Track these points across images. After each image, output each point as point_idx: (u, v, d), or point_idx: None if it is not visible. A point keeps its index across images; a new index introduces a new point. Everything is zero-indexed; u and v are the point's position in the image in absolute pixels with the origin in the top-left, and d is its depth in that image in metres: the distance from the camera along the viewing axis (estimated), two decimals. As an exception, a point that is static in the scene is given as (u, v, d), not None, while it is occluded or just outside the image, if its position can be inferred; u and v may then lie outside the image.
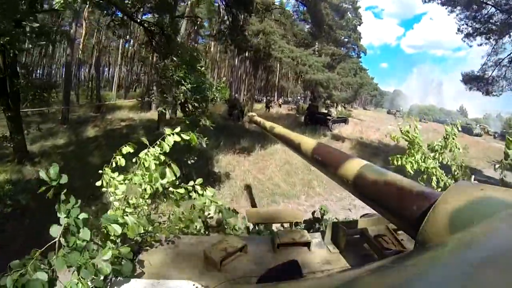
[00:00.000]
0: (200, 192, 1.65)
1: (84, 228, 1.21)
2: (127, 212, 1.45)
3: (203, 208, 1.67)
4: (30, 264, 1.12)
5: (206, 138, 8.14)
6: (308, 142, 1.60)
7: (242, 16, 18.29)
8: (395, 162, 3.42)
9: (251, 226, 3.63)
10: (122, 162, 1.78)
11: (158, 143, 1.70)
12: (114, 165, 1.74)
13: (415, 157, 3.46)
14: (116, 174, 1.74)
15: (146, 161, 1.65)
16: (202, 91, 8.20)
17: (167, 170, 1.64)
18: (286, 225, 3.12)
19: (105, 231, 1.31)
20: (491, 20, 15.32)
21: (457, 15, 16.22)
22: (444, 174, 3.41)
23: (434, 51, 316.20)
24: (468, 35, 16.52)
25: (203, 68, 8.76)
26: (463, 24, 16.38)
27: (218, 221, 2.06)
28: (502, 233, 0.40)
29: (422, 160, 3.47)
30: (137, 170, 1.70)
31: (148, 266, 1.41)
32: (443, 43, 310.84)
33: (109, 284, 1.24)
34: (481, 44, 16.73)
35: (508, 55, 16.07)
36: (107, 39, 33.17)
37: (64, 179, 1.23)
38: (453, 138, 3.62)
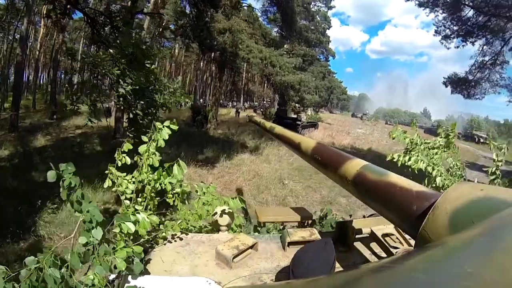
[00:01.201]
0: (204, 190, 1.73)
1: (98, 227, 1.24)
2: (138, 210, 1.48)
3: (211, 202, 1.71)
4: (45, 259, 1.15)
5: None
6: (308, 142, 1.59)
7: (208, 11, 17.22)
8: (398, 159, 3.46)
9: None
10: (127, 160, 1.82)
11: (153, 138, 1.74)
12: (119, 164, 1.79)
13: (418, 155, 3.49)
14: (124, 174, 1.77)
15: (148, 158, 1.71)
16: (148, 94, 6.40)
17: (175, 167, 1.67)
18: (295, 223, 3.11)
19: (119, 230, 1.35)
20: (469, 23, 15.36)
21: (435, 16, 16.19)
22: (444, 170, 3.49)
23: (398, 56, 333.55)
24: (446, 37, 16.52)
25: (153, 67, 7.03)
26: (441, 26, 16.41)
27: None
28: (502, 233, 0.41)
29: (429, 156, 3.53)
30: (142, 168, 1.75)
31: (160, 263, 1.44)
32: (406, 49, 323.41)
33: (122, 281, 1.27)
34: (458, 47, 16.93)
35: (492, 57, 16.04)
36: (71, 40, 31.32)
37: (76, 179, 1.24)
38: (453, 138, 3.74)
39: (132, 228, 1.34)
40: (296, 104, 27.13)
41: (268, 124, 2.41)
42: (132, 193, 1.75)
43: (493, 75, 16.73)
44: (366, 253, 1.62)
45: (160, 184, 1.73)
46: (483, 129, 68.52)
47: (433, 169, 3.43)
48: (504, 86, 16.69)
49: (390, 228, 1.67)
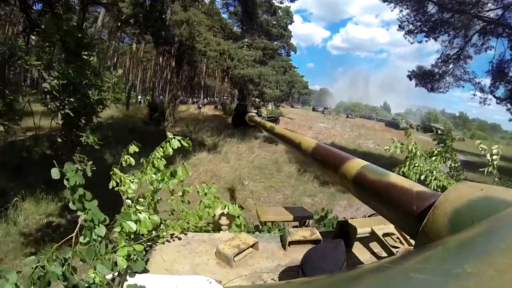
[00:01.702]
0: (206, 191, 1.77)
1: (100, 225, 1.24)
2: (139, 209, 1.50)
3: (212, 205, 1.72)
4: (47, 258, 1.15)
5: (91, 163, 5.63)
6: (308, 141, 1.59)
7: (164, 1, 16.57)
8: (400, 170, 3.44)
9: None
10: (131, 161, 1.85)
11: (162, 146, 1.77)
12: (124, 164, 1.81)
13: (419, 166, 3.51)
14: (127, 175, 1.78)
15: (156, 161, 1.74)
16: (82, 90, 5.38)
17: (179, 168, 1.72)
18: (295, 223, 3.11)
19: (120, 228, 1.36)
20: (432, 19, 15.48)
21: (400, 11, 16.23)
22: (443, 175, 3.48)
23: (358, 52, 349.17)
24: (409, 32, 16.61)
25: (92, 58, 5.99)
26: (404, 21, 16.47)
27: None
28: (502, 233, 0.41)
29: (427, 163, 3.55)
30: (147, 169, 1.77)
31: (161, 262, 1.45)
32: (366, 46, 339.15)
33: (123, 279, 1.27)
34: (421, 42, 17.02)
35: (456, 52, 16.28)
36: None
37: (80, 177, 1.23)
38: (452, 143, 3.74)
39: (133, 227, 1.35)
40: (257, 99, 26.56)
41: (268, 124, 2.41)
42: (133, 192, 1.76)
43: (457, 70, 17.13)
44: (367, 252, 1.62)
45: (166, 183, 1.76)
46: (440, 121, 71.98)
47: (431, 176, 3.47)
48: (468, 80, 17.05)
49: (390, 228, 1.67)
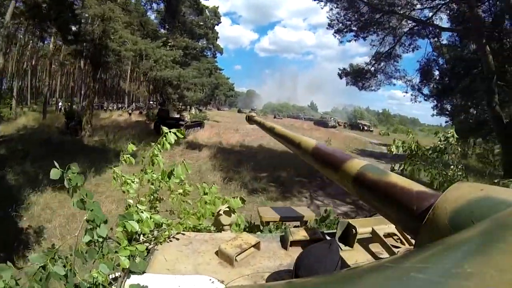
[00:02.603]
0: (207, 190, 1.78)
1: (102, 225, 1.25)
2: (140, 209, 1.49)
3: (213, 203, 1.73)
4: (49, 258, 1.16)
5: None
6: (307, 142, 1.59)
7: None
8: (400, 168, 3.55)
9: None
10: (132, 160, 1.87)
11: (159, 142, 1.76)
12: (124, 163, 1.85)
13: (419, 162, 3.58)
14: (128, 174, 1.79)
15: (156, 159, 1.74)
16: None
17: (179, 167, 1.71)
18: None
19: (122, 228, 1.36)
20: (362, 18, 15.51)
21: (330, 9, 16.11)
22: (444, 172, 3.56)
23: (286, 54, 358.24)
24: (338, 31, 16.55)
25: None
26: (334, 20, 16.33)
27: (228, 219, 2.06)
28: (502, 233, 0.41)
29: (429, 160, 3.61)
30: (147, 168, 1.77)
31: (163, 261, 1.44)
32: (294, 48, 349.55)
33: (125, 279, 1.28)
34: (350, 40, 17.16)
35: (387, 50, 16.45)
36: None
37: (80, 179, 1.25)
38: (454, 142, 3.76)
39: (136, 226, 1.36)
40: (178, 103, 25.53)
41: (269, 124, 2.40)
42: (135, 192, 1.76)
43: (389, 68, 17.37)
44: (368, 252, 1.64)
45: (167, 183, 1.76)
46: (366, 118, 78.54)
47: (431, 176, 3.55)
48: (399, 78, 17.52)
49: (391, 228, 1.68)
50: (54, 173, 1.18)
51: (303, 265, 1.09)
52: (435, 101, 17.88)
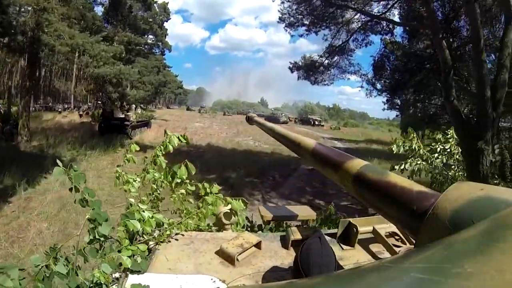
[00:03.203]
0: (208, 190, 1.75)
1: (104, 224, 1.24)
2: (142, 208, 1.49)
3: (215, 203, 1.74)
4: (51, 257, 1.17)
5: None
6: (307, 142, 1.59)
7: None
8: (400, 168, 3.55)
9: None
10: (135, 159, 1.90)
11: (162, 143, 1.79)
12: (126, 163, 1.88)
13: (420, 162, 3.57)
14: (129, 174, 1.80)
15: (158, 159, 1.77)
16: None
17: (183, 167, 1.72)
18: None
19: (124, 228, 1.36)
20: (315, 12, 15.14)
21: (282, 2, 15.61)
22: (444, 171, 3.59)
23: (236, 52, 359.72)
24: (290, 25, 16.10)
25: None
26: (285, 14, 15.87)
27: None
28: (502, 233, 0.41)
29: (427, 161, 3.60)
30: (149, 168, 1.80)
31: (164, 261, 1.45)
32: (244, 46, 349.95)
33: (126, 279, 1.28)
34: (302, 35, 16.59)
35: (340, 44, 16.21)
36: None
37: (82, 178, 1.25)
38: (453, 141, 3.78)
39: (138, 226, 1.36)
40: (120, 102, 23.64)
41: (269, 124, 2.40)
42: (136, 191, 1.77)
43: (343, 62, 17.07)
44: (369, 251, 1.64)
45: (169, 182, 1.78)
46: (316, 113, 78.21)
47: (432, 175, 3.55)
48: (353, 72, 17.32)
49: (393, 226, 1.68)
50: (58, 172, 1.18)
51: (307, 261, 1.12)
52: (388, 95, 17.86)
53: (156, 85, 26.12)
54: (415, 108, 19.58)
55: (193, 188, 1.90)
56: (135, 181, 1.81)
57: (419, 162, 3.64)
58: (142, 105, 28.86)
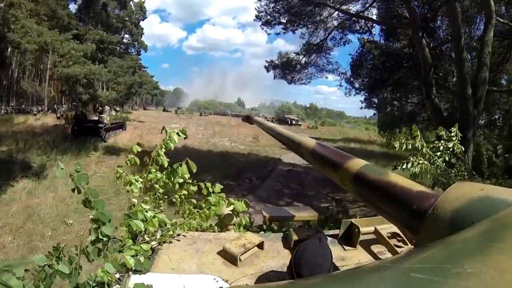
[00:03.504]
0: (210, 190, 1.75)
1: (107, 224, 1.25)
2: (145, 208, 1.49)
3: (217, 204, 1.73)
4: (54, 257, 1.18)
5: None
6: (307, 141, 1.58)
7: None
8: (402, 167, 3.51)
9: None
10: (137, 161, 1.85)
11: (163, 141, 1.74)
12: (128, 164, 1.83)
13: (423, 161, 3.52)
14: (131, 175, 1.79)
15: (160, 158, 1.69)
16: None
17: (184, 166, 1.69)
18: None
19: (127, 228, 1.36)
20: (292, 10, 15.02)
21: (258, 0, 15.48)
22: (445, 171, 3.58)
23: (213, 52, 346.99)
24: (266, 23, 15.94)
25: None
26: (262, 12, 15.70)
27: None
28: (502, 233, 0.41)
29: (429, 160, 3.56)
30: (151, 168, 1.74)
31: (167, 261, 1.45)
32: (222, 46, 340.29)
33: (130, 279, 1.28)
34: (278, 33, 16.39)
35: (318, 42, 16.08)
36: None
37: (84, 178, 1.26)
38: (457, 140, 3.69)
39: (141, 226, 1.36)
40: (94, 104, 22.44)
41: (269, 124, 2.39)
42: (139, 192, 1.76)
43: (320, 60, 16.83)
44: (371, 252, 1.64)
45: (172, 182, 1.74)
46: (293, 112, 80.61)
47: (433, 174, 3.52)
48: (331, 71, 17.10)
49: (394, 227, 1.67)
50: (60, 174, 1.19)
51: (303, 261, 1.11)
52: (367, 94, 17.77)
53: (128, 86, 25.34)
54: (392, 107, 19.81)
55: (195, 188, 1.89)
56: (137, 181, 1.80)
57: (421, 162, 3.58)
58: (115, 107, 27.62)
